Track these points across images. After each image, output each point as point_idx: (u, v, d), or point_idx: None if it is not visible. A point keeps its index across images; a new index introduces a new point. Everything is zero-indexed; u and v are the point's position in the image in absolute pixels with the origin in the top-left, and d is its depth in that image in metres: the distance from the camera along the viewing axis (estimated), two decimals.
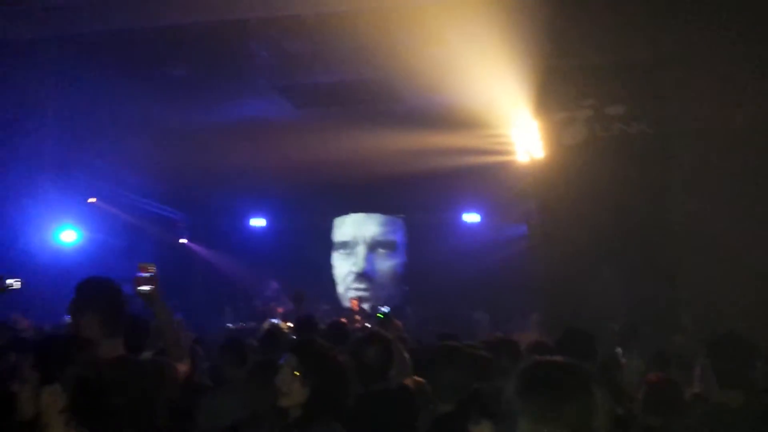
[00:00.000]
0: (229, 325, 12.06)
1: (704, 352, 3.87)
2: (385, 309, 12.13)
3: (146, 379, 2.76)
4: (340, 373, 2.76)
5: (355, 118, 10.80)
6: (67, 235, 11.81)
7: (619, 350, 6.39)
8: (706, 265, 8.28)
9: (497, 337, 5.50)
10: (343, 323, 6.08)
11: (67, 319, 3.18)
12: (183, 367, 3.12)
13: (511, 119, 9.91)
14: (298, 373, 2.62)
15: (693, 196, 8.51)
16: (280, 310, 12.59)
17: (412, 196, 14.07)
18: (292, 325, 9.40)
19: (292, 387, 2.62)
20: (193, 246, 15.60)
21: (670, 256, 8.82)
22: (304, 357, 2.68)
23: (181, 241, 15.55)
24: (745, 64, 7.94)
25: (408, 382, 3.94)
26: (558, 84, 9.19)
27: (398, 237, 15.83)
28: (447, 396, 3.15)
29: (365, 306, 13.88)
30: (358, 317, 12.50)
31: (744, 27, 7.67)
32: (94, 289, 3.01)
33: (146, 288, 3.08)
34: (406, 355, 4.31)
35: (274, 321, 10.39)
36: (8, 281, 4.15)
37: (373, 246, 15.76)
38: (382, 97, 10.35)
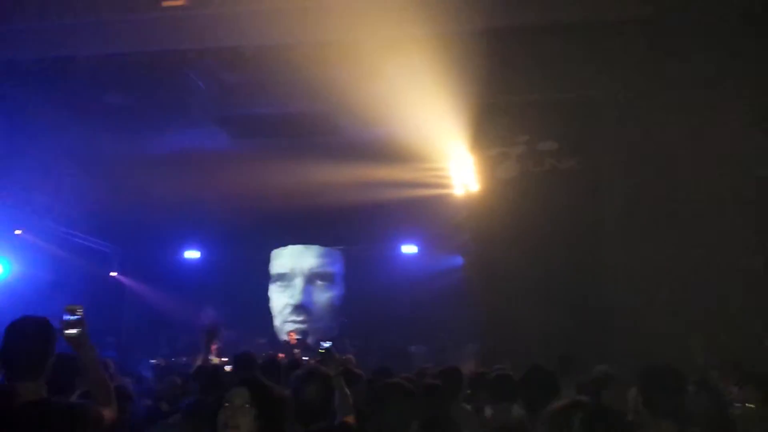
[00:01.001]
0: (153, 361, 11.59)
1: (637, 382, 3.98)
2: (327, 344, 12.03)
3: (63, 423, 2.72)
4: (287, 409, 2.75)
5: (293, 150, 10.82)
6: None
7: None
8: (639, 296, 8.57)
9: (441, 368, 5.50)
10: (277, 359, 6.00)
11: None
12: (108, 413, 3.01)
13: (448, 153, 10.13)
14: (248, 407, 2.58)
15: (623, 227, 8.84)
16: (213, 347, 12.28)
17: (350, 227, 14.12)
18: (223, 359, 9.22)
19: (243, 421, 2.56)
20: (124, 279, 15.14)
21: (603, 286, 9.09)
22: (254, 391, 2.63)
23: (112, 274, 15.07)
24: (676, 100, 8.33)
25: (349, 419, 3.90)
26: (493, 120, 9.47)
27: (336, 269, 15.79)
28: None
29: (303, 339, 13.73)
30: (296, 351, 12.36)
31: (672, 65, 8.08)
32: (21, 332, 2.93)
33: (73, 332, 2.96)
34: (347, 391, 4.28)
35: (210, 357, 10.17)
36: None
37: (311, 278, 15.66)
38: (320, 130, 10.42)
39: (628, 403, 4.46)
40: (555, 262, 9.02)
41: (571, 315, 8.82)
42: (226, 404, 2.61)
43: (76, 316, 2.94)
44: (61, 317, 2.92)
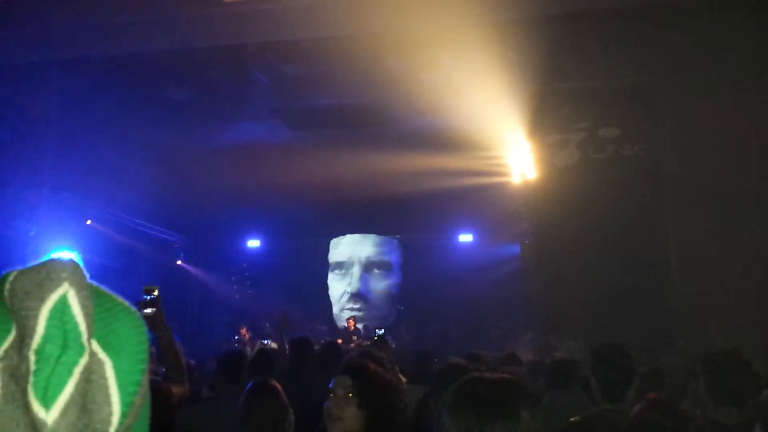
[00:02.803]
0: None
1: (699, 370, 3.92)
2: (380, 331, 12.18)
3: None
4: (397, 395, 2.54)
5: (351, 141, 10.93)
6: (64, 258, 11.79)
7: None
8: (700, 287, 8.36)
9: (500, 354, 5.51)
10: (337, 344, 6.09)
11: None
12: (178, 390, 3.11)
13: (506, 141, 10.05)
14: (351, 395, 2.39)
15: (686, 217, 8.61)
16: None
17: (407, 217, 14.19)
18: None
19: (346, 411, 2.38)
20: (189, 267, 15.62)
21: (664, 277, 8.89)
22: (357, 378, 2.44)
23: (178, 262, 15.57)
24: (739, 84, 8.06)
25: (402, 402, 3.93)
26: (552, 106, 9.33)
27: (393, 257, 15.90)
28: None
29: (359, 326, 13.91)
30: (355, 337, 12.56)
31: (739, 47, 7.82)
32: None
33: (150, 311, 3.08)
34: (401, 376, 4.34)
35: (265, 342, 10.45)
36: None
37: (368, 266, 15.83)
38: (378, 120, 10.48)
39: (688, 392, 4.41)
40: (616, 251, 8.84)
41: (632, 306, 8.66)
42: (331, 394, 2.43)
43: (152, 296, 3.08)
44: (137, 299, 3.06)
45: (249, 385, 4.14)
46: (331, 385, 2.45)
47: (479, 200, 12.33)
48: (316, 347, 6.03)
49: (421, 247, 14.99)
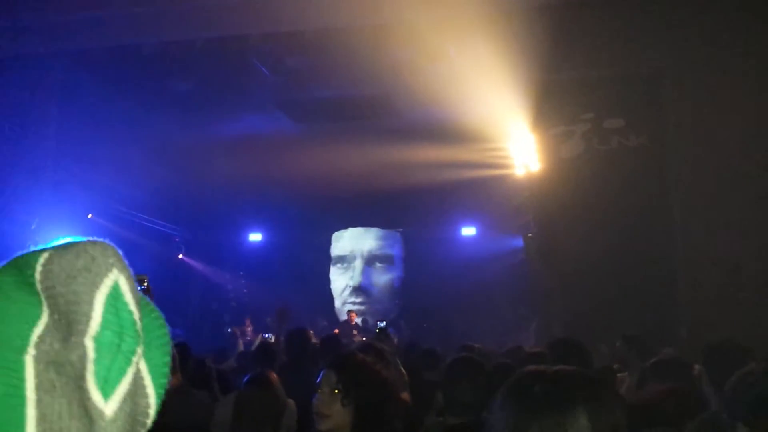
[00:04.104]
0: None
1: (701, 359, 3.90)
2: (383, 324, 12.12)
3: None
4: (387, 389, 2.42)
5: (354, 133, 10.88)
6: None
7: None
8: (705, 278, 8.32)
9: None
10: (337, 336, 6.06)
11: None
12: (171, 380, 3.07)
13: (509, 133, 9.99)
14: (337, 391, 2.29)
15: (692, 208, 8.56)
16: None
17: (410, 210, 14.13)
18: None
19: (333, 408, 2.28)
20: (191, 261, 15.58)
21: (669, 269, 8.85)
22: (343, 373, 2.34)
23: (179, 256, 15.52)
24: (747, 74, 8.00)
25: (404, 396, 3.91)
26: (556, 98, 9.27)
27: (395, 251, 15.86)
28: (457, 410, 3.08)
29: (358, 321, 13.87)
30: (355, 331, 12.52)
31: (746, 37, 7.76)
32: None
33: None
34: (402, 369, 4.32)
35: (265, 336, 10.42)
36: None
37: (370, 260, 15.78)
38: (381, 112, 10.44)
39: (693, 382, 4.38)
40: (621, 244, 8.79)
41: (636, 298, 8.62)
42: (318, 390, 2.34)
43: (142, 287, 3.05)
44: None
45: (245, 378, 4.12)
46: (318, 380, 2.37)
47: (482, 193, 12.27)
48: (315, 341, 6.00)
49: (423, 241, 14.93)
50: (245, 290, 15.16)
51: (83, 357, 0.59)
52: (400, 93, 9.57)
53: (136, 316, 0.63)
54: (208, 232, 15.22)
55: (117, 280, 0.62)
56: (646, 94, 9.11)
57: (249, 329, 12.56)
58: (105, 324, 0.60)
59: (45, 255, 0.62)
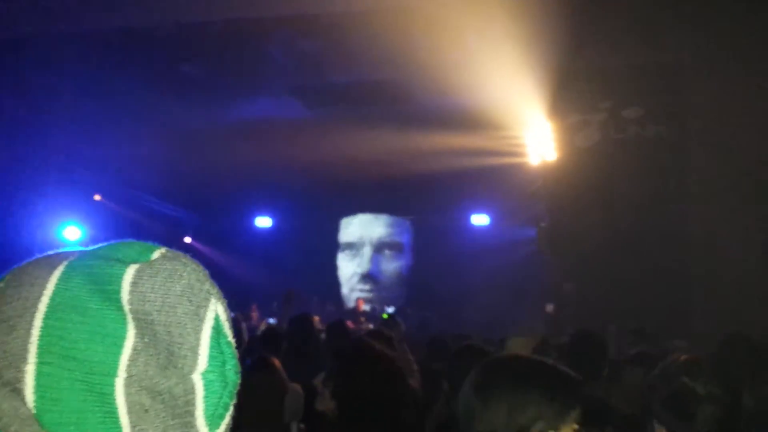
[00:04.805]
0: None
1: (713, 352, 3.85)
2: (391, 310, 12.07)
3: None
4: (375, 379, 2.53)
5: (366, 119, 10.74)
6: (71, 233, 11.71)
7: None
8: (721, 270, 8.21)
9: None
10: (343, 322, 6.01)
11: None
12: None
13: (524, 121, 9.85)
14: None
15: (709, 199, 8.44)
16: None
17: (420, 197, 14.01)
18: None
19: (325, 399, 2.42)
20: (198, 245, 15.51)
21: (684, 259, 8.75)
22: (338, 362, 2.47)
23: (186, 240, 15.46)
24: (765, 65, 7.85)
25: (412, 382, 3.90)
26: (573, 86, 9.13)
27: (405, 238, 15.77)
28: None
29: (366, 308, 13.81)
30: (362, 318, 12.45)
31: (765, 28, 7.60)
32: None
33: None
34: (410, 356, 4.32)
35: (270, 321, 10.41)
36: None
37: (379, 247, 15.70)
38: (393, 98, 10.30)
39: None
40: (636, 234, 8.69)
41: (649, 289, 8.53)
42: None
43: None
44: None
45: (247, 362, 4.07)
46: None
47: (495, 181, 12.13)
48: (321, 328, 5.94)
49: (433, 229, 14.81)
50: (251, 275, 15.08)
51: (190, 392, 0.59)
52: (415, 78, 9.42)
53: (234, 348, 0.64)
54: (216, 217, 15.16)
55: (217, 311, 0.63)
56: (666, 83, 8.96)
57: (255, 314, 12.50)
58: (212, 360, 0.61)
59: (131, 273, 0.60)
